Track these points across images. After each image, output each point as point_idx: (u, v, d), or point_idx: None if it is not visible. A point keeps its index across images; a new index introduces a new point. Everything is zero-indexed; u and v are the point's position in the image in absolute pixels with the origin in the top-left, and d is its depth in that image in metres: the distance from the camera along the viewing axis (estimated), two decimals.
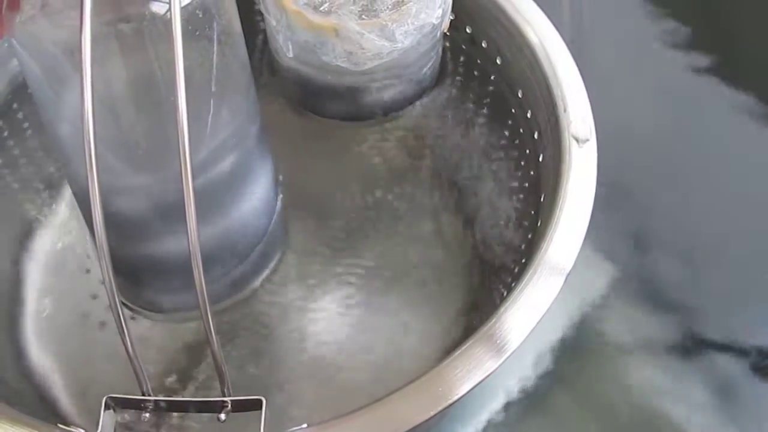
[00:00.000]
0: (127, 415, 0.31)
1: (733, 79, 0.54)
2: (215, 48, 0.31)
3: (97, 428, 0.28)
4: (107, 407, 0.29)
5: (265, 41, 0.47)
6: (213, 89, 0.32)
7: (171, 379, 0.41)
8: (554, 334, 0.44)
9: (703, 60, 0.56)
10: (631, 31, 0.58)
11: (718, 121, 0.53)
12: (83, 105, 0.26)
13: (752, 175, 0.51)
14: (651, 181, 0.50)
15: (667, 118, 0.53)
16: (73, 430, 0.29)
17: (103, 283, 0.27)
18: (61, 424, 0.30)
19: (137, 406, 0.29)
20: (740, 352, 0.44)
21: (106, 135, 0.31)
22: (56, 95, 0.31)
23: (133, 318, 0.41)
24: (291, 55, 0.44)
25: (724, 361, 0.44)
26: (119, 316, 0.27)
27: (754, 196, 0.50)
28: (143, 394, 0.29)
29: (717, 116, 0.54)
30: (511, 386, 0.42)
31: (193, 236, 0.27)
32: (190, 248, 0.27)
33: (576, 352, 0.44)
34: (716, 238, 0.48)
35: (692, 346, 0.44)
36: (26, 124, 0.45)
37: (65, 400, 0.41)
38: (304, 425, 0.30)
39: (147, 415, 0.29)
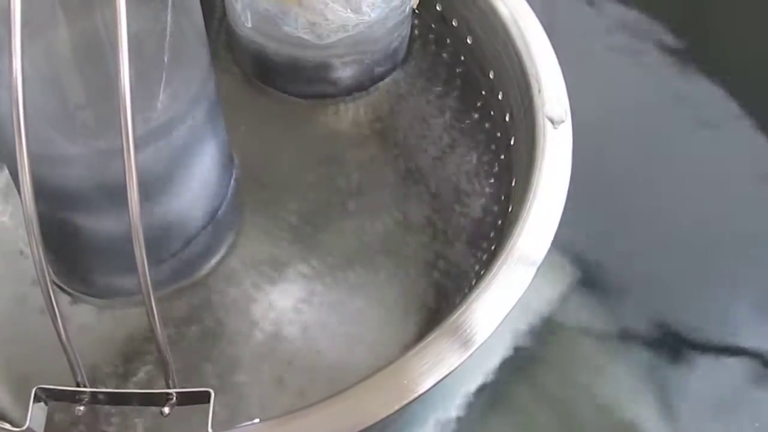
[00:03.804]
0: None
1: (707, 67, 0.54)
2: (169, 13, 0.29)
3: (25, 422, 0.26)
4: (37, 399, 0.27)
5: (223, 10, 0.45)
6: (165, 58, 0.30)
7: (114, 370, 0.38)
8: (518, 326, 0.43)
9: (678, 44, 0.55)
10: (603, 15, 0.57)
11: (689, 113, 0.53)
12: (11, 65, 0.24)
13: (726, 168, 0.51)
14: (618, 172, 0.50)
15: (637, 108, 0.52)
16: None
17: (33, 260, 0.25)
18: None
19: (71, 398, 0.27)
20: (706, 346, 0.44)
21: (44, 102, 0.29)
22: None
23: (74, 303, 0.39)
24: (249, 24, 0.42)
25: (691, 357, 0.43)
26: (48, 294, 0.25)
27: (727, 191, 0.50)
28: (78, 386, 0.27)
29: (688, 108, 0.53)
30: (473, 380, 0.41)
31: (134, 214, 0.25)
32: (132, 227, 0.25)
33: (538, 346, 0.43)
34: (684, 231, 0.48)
35: (656, 342, 0.43)
36: None
37: (1, 392, 0.38)
38: (256, 420, 0.28)
39: (82, 408, 0.27)
